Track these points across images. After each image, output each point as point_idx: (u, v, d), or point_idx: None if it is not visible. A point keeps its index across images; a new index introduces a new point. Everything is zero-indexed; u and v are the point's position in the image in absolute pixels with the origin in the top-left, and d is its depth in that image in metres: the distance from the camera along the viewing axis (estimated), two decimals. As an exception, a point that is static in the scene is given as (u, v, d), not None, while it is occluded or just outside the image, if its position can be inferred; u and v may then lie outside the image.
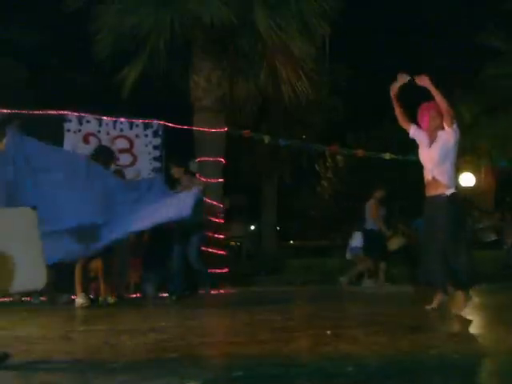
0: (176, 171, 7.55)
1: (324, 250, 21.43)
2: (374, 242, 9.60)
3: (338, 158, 24.76)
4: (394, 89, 5.82)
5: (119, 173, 7.71)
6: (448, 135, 5.59)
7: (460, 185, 19.07)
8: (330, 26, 10.96)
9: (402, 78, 5.74)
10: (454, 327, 4.95)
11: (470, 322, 5.09)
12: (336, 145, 13.20)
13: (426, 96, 5.68)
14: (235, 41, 11.12)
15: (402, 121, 5.88)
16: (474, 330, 4.77)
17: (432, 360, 3.24)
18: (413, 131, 5.83)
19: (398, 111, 5.87)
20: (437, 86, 5.50)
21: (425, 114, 5.74)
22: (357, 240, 10.09)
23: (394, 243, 9.74)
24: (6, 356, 3.38)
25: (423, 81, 5.54)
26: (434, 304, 5.63)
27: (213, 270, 8.17)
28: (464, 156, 18.36)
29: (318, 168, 26.11)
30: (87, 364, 3.28)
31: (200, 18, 9.87)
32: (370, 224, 9.74)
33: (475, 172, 19.68)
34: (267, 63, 11.52)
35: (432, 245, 5.60)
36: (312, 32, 10.75)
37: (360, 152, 12.21)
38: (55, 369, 3.17)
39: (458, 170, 17.89)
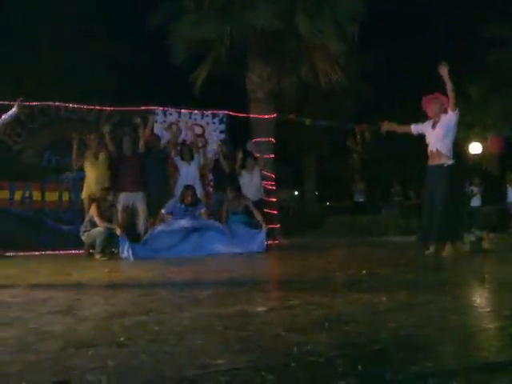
0: (228, 191, 7.71)
1: (354, 209, 21.22)
2: None
3: (366, 134, 24.26)
4: (390, 126, 6.07)
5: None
6: (450, 117, 5.61)
7: (469, 153, 18.45)
8: (358, 25, 10.75)
9: (386, 126, 6.06)
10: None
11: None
12: (364, 123, 12.97)
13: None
14: (281, 43, 11.04)
15: (405, 131, 6.01)
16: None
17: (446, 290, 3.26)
18: (414, 130, 5.95)
19: (399, 131, 6.06)
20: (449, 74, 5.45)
21: (428, 103, 5.80)
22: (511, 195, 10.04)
23: None
24: None
25: (443, 70, 5.45)
26: (432, 250, 5.69)
27: (269, 226, 8.30)
28: (473, 128, 17.73)
29: (349, 143, 25.68)
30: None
31: (253, 27, 9.91)
32: None
33: (482, 142, 18.97)
34: (307, 59, 11.40)
35: (431, 205, 5.62)
36: (344, 31, 10.60)
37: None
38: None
39: (467, 140, 17.32)
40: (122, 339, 2.23)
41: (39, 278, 4.51)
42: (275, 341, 2.17)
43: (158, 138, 8.20)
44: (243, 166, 8.38)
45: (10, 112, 4.82)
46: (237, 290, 3.48)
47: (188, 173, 7.89)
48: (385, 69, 17.62)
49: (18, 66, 12.83)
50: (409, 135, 6.12)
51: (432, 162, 5.70)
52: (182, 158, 7.98)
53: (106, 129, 7.64)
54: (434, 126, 5.71)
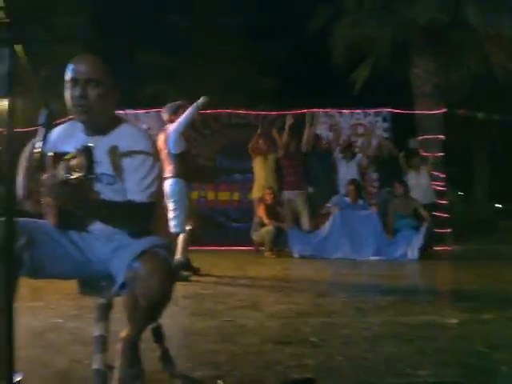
0: (398, 187, 7.28)
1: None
2: None
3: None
4: None
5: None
6: None
7: None
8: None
9: None
10: None
11: None
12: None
13: None
14: (447, 35, 10.35)
15: None
16: None
17: None
18: None
19: None
20: None
21: None
22: None
23: None
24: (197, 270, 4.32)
25: None
26: None
27: (439, 230, 7.82)
28: None
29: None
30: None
31: (417, 22, 9.49)
32: None
33: None
34: (477, 50, 10.49)
35: None
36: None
37: None
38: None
39: None
40: (314, 339, 2.29)
41: (220, 272, 4.87)
42: (475, 357, 2.03)
43: (320, 138, 8.29)
44: (410, 165, 8.01)
45: (194, 104, 4.67)
46: (419, 299, 3.35)
47: (347, 171, 7.85)
48: None
49: (187, 76, 14.05)
50: None
51: None
52: (344, 157, 7.99)
53: (289, 120, 7.82)
54: None
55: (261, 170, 7.87)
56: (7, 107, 1.15)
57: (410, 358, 2.01)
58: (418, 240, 6.52)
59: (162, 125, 8.62)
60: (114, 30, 12.73)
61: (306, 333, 2.43)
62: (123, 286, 1.55)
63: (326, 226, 6.83)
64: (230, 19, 14.74)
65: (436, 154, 8.93)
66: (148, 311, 1.55)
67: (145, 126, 8.34)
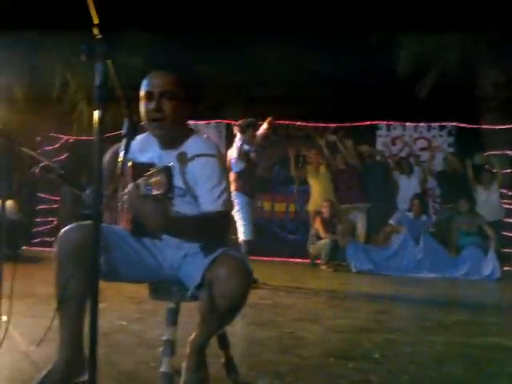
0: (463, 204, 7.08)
1: None
2: None
3: None
4: None
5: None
6: None
7: None
8: None
9: None
10: None
11: None
12: None
13: None
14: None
15: None
16: None
17: None
18: None
19: None
20: None
21: None
22: None
23: None
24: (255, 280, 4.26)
25: None
26: None
27: (506, 250, 7.46)
28: None
29: None
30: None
31: (486, 32, 9.17)
32: None
33: None
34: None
35: None
36: None
37: None
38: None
39: None
40: (377, 356, 2.26)
41: (277, 283, 4.89)
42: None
43: (373, 152, 8.18)
44: (479, 181, 7.70)
45: (260, 130, 5.22)
46: (485, 320, 3.22)
47: (408, 186, 7.66)
48: None
49: (247, 89, 14.24)
50: None
51: None
52: (402, 172, 7.80)
53: (331, 137, 7.94)
54: None
55: (315, 183, 7.89)
56: (97, 118, 1.23)
57: (477, 379, 1.95)
58: (492, 258, 6.30)
59: (220, 136, 8.86)
60: (181, 44, 13.17)
61: (368, 349, 2.40)
62: (198, 289, 1.59)
63: (392, 248, 6.69)
64: (292, 28, 14.81)
65: (504, 171, 8.54)
66: (225, 314, 1.57)
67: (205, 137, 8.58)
